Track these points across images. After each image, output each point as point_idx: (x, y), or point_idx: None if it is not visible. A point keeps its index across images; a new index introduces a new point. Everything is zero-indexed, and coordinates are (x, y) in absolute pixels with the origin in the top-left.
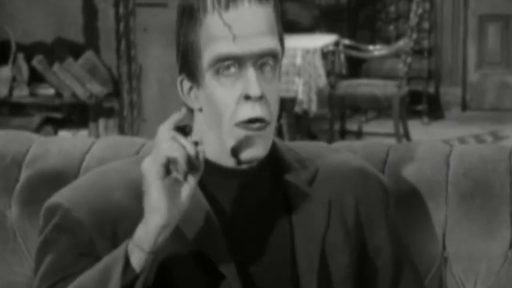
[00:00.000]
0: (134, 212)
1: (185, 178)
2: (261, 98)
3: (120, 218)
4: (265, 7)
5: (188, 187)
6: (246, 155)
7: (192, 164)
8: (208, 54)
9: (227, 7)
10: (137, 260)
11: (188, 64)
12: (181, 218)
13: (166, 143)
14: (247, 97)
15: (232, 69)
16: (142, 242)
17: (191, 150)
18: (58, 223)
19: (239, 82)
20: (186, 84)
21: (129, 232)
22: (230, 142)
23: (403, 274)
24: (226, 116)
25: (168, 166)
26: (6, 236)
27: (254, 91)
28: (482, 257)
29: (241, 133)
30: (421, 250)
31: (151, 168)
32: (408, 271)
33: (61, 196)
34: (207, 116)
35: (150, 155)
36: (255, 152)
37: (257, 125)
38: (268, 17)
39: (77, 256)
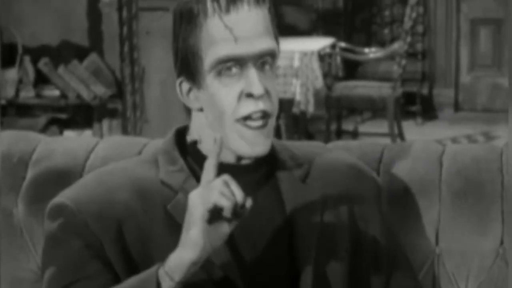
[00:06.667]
0: (138, 213)
1: (228, 221)
2: (263, 95)
3: (125, 220)
4: (262, 9)
5: (227, 229)
6: (248, 152)
7: (236, 210)
8: (210, 56)
9: (227, 10)
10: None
11: (187, 66)
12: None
13: (217, 188)
14: (249, 95)
15: (234, 70)
16: (173, 272)
17: (240, 198)
18: (65, 223)
19: (241, 81)
20: (185, 85)
21: (134, 233)
22: (233, 139)
23: (397, 268)
24: (228, 112)
25: (214, 210)
26: (13, 233)
27: (257, 90)
28: (474, 254)
29: (243, 130)
30: (415, 247)
31: (197, 207)
32: (402, 265)
33: (66, 197)
34: (209, 116)
35: (200, 186)
36: (257, 149)
37: (259, 122)
38: (264, 18)
39: (90, 258)
